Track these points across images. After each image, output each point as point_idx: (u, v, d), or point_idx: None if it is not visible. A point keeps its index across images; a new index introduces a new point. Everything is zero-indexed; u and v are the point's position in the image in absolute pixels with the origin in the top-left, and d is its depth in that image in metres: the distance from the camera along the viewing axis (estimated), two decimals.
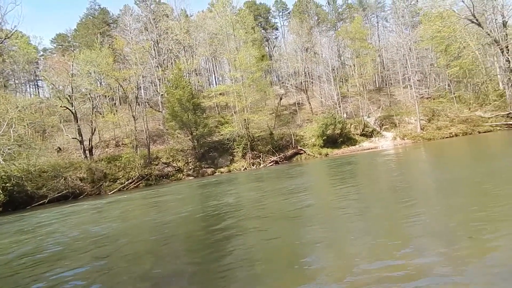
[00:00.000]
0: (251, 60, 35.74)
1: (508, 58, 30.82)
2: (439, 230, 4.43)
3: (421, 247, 3.87)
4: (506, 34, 31.56)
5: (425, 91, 39.32)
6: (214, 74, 54.93)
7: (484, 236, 3.89)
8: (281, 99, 42.47)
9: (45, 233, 9.52)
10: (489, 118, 31.33)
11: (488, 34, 31.60)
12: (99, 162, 27.47)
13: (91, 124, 30.42)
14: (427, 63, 43.10)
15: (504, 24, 32.20)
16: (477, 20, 31.51)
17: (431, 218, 5.07)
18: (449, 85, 39.49)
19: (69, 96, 29.05)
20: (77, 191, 23.60)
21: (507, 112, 30.49)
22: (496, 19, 32.28)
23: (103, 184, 25.36)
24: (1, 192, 19.01)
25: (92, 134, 30.25)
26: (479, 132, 30.27)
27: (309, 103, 42.32)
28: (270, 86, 42.91)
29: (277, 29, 68.03)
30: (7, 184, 19.52)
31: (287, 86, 46.08)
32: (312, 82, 46.53)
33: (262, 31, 59.54)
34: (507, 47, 31.06)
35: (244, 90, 33.49)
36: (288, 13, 66.63)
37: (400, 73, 42.26)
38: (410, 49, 38.61)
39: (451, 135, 31.29)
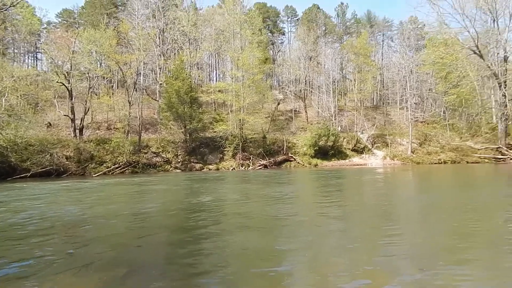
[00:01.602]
0: (254, 61, 35.85)
1: (504, 93, 31.36)
2: (411, 253, 4.51)
3: (392, 268, 3.93)
4: (506, 69, 32.09)
5: (420, 115, 39.81)
6: (216, 70, 54.88)
7: (454, 262, 3.99)
8: (278, 104, 42.62)
9: (16, 207, 9.41)
10: (478, 149, 31.83)
11: (489, 67, 32.13)
12: (88, 142, 27.22)
13: (85, 104, 30.11)
14: (425, 88, 43.66)
15: (505, 59, 32.74)
16: (479, 51, 32.05)
17: (406, 241, 5.16)
18: (444, 112, 40.06)
19: (67, 72, 28.74)
20: (62, 169, 23.34)
21: (497, 146, 31.01)
22: (498, 53, 32.79)
23: (88, 166, 25.13)
24: None
25: (85, 114, 29.94)
26: (467, 162, 30.73)
27: (306, 111, 42.53)
28: (269, 89, 43.04)
29: (283, 34, 68.33)
30: None
31: (286, 92, 46.25)
32: (311, 91, 46.79)
33: (269, 34, 59.75)
34: (505, 82, 31.62)
35: (243, 90, 33.54)
36: (297, 20, 67.00)
37: (398, 94, 42.73)
38: (411, 71, 39.06)
39: (440, 162, 31.72)
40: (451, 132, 36.36)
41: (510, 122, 32.07)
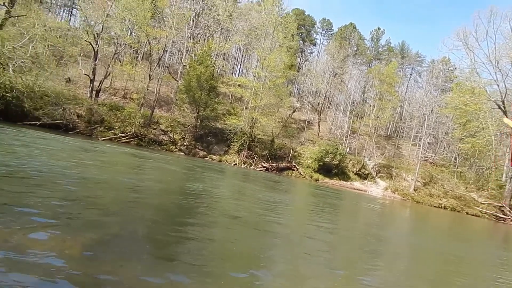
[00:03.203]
0: (280, 64, 35.83)
1: None
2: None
3: None
4: None
5: (431, 156, 39.46)
6: (241, 64, 55.00)
7: None
8: (294, 111, 42.53)
9: (23, 152, 9.52)
10: (481, 203, 31.42)
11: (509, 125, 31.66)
12: (102, 106, 27.42)
13: (107, 68, 30.38)
14: (442, 130, 43.25)
15: None
16: (504, 107, 31.64)
17: (387, 277, 5.11)
18: (455, 158, 39.62)
19: (97, 34, 29.01)
20: (71, 125, 23.53)
21: (500, 205, 30.58)
22: None
23: (97, 128, 25.33)
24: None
25: (105, 77, 30.20)
26: (467, 213, 30.37)
27: (319, 125, 42.40)
28: (288, 95, 42.92)
29: (315, 45, 68.23)
30: (7, 94, 19.49)
31: (303, 102, 46.13)
32: (328, 107, 46.65)
33: (300, 41, 59.67)
34: None
35: (262, 90, 33.57)
36: (331, 34, 66.82)
37: (414, 129, 42.42)
38: (431, 110, 38.76)
39: (440, 206, 31.38)
40: (457, 180, 35.94)
41: None
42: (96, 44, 28.71)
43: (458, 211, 30.74)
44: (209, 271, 3.63)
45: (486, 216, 29.97)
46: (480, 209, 30.68)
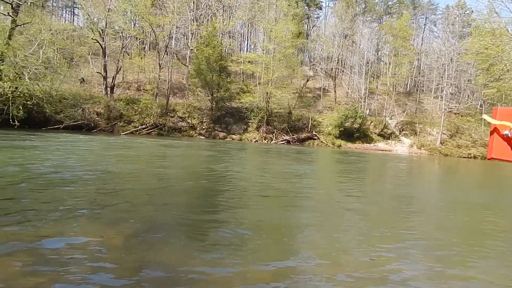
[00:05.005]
0: (287, 34, 34.94)
1: None
2: (427, 245, 4.42)
3: (404, 257, 3.87)
4: None
5: (455, 106, 38.10)
6: (247, 40, 53.95)
7: (464, 261, 3.87)
8: (307, 80, 41.72)
9: (53, 155, 9.87)
10: None
11: None
12: (118, 101, 27.87)
13: (117, 63, 30.60)
14: (464, 78, 41.42)
15: None
16: None
17: (422, 233, 5.07)
18: (481, 106, 38.13)
19: (101, 30, 29.09)
20: (92, 124, 24.17)
21: None
22: None
23: (117, 124, 25.88)
24: (21, 109, 19.58)
25: (117, 72, 30.49)
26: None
27: (335, 91, 41.53)
28: (300, 65, 42.02)
29: (320, 8, 65.62)
30: (28, 102, 20.07)
31: (316, 69, 45.10)
32: (342, 71, 45.44)
33: (305, 7, 57.55)
34: None
35: (273, 63, 33.03)
36: None
37: (434, 82, 40.82)
38: (451, 59, 37.08)
39: (469, 156, 30.60)
40: (485, 127, 34.66)
41: None
42: (103, 41, 28.85)
43: (489, 159, 29.84)
44: (245, 251, 3.69)
45: None
46: None
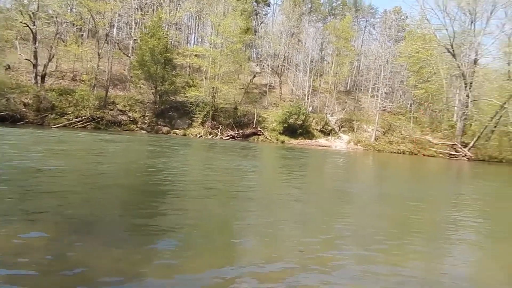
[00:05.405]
0: (236, 29, 34.99)
1: (468, 94, 32.98)
2: (361, 234, 4.86)
3: (340, 244, 4.24)
4: (474, 71, 33.55)
5: (389, 105, 41.11)
6: (195, 33, 52.91)
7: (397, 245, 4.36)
8: (254, 76, 42.17)
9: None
10: (435, 144, 33.60)
11: (458, 67, 33.45)
12: (50, 91, 25.85)
13: (50, 50, 28.22)
14: (398, 79, 44.82)
15: (475, 61, 34.09)
16: (453, 51, 33.16)
17: (357, 222, 5.55)
18: (411, 105, 41.57)
19: (32, 13, 26.64)
20: (18, 115, 22.19)
21: (452, 143, 32.88)
22: (469, 55, 34.01)
23: (48, 116, 24.05)
24: None
25: (49, 60, 28.12)
26: (424, 155, 32.48)
27: (280, 88, 42.53)
28: (247, 61, 42.28)
29: (269, 5, 66.27)
30: None
31: (263, 66, 45.72)
32: (288, 68, 46.65)
33: (254, 3, 57.82)
34: (471, 83, 33.17)
35: (220, 58, 32.90)
36: None
37: (371, 82, 43.67)
38: (387, 61, 39.86)
39: (399, 151, 33.36)
40: (414, 125, 37.97)
41: (468, 122, 33.98)
42: (34, 25, 26.47)
43: (415, 154, 32.82)
44: (188, 243, 3.77)
45: (441, 155, 32.23)
46: (435, 150, 32.83)
